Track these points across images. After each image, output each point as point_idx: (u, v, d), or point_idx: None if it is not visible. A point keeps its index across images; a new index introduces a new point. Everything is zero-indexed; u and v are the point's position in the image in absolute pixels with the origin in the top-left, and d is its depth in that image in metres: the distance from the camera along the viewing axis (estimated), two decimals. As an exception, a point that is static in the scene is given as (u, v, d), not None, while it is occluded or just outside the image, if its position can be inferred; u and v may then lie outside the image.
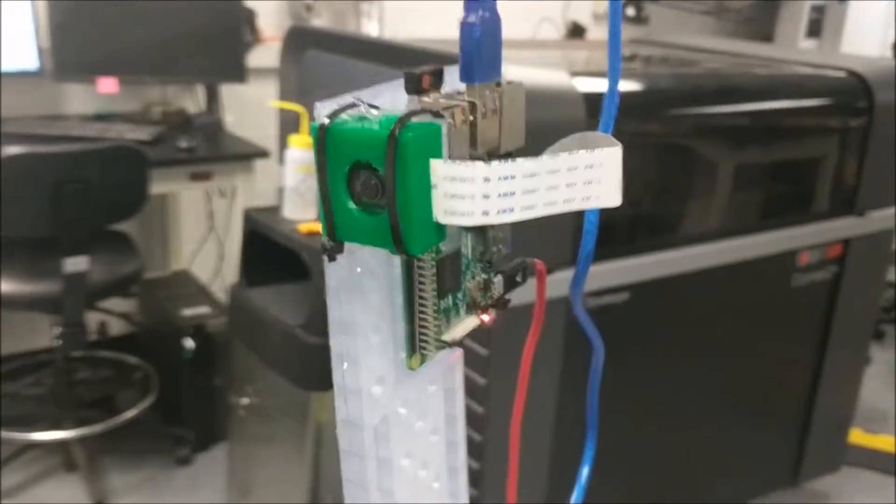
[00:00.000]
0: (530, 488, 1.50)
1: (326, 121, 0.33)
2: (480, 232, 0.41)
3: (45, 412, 2.21)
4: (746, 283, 1.74)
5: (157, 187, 2.05)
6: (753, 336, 1.82)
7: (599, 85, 1.45)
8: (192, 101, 2.56)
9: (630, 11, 3.20)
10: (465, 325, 0.41)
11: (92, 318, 2.41)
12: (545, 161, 0.32)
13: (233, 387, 1.88)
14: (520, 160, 0.32)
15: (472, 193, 0.32)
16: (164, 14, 2.30)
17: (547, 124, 1.33)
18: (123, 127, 2.23)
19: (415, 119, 0.33)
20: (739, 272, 1.69)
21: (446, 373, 0.44)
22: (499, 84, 0.38)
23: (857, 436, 2.40)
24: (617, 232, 1.51)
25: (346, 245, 0.36)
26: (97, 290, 1.99)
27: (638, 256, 1.52)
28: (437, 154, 0.33)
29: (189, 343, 2.15)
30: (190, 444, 2.24)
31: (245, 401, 1.81)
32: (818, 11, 3.33)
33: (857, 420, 2.19)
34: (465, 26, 0.36)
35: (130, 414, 2.21)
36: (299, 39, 1.89)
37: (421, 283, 0.38)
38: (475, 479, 1.40)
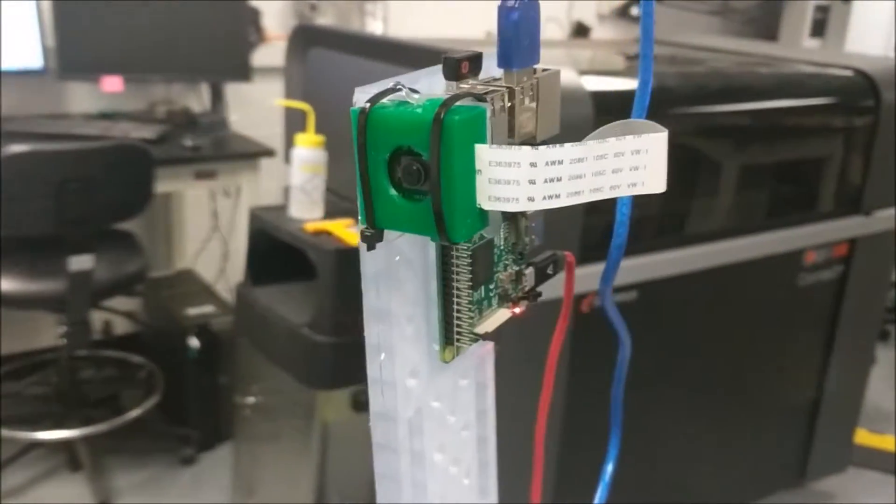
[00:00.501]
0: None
1: (367, 105, 0.33)
2: (513, 222, 0.40)
3: (50, 411, 2.20)
4: (753, 282, 1.74)
5: (161, 186, 2.04)
6: (760, 335, 1.82)
7: (607, 83, 1.44)
8: (197, 100, 2.55)
9: (634, 11, 3.19)
10: (497, 317, 0.41)
11: (96, 317, 2.40)
12: (592, 146, 0.32)
13: (238, 386, 1.87)
14: (567, 145, 0.31)
15: (517, 179, 0.31)
16: (169, 13, 2.30)
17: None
18: (128, 125, 2.22)
19: (458, 103, 0.32)
20: (746, 271, 1.69)
21: (478, 366, 0.43)
22: (535, 71, 0.37)
23: (862, 436, 2.39)
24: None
25: (385, 233, 0.35)
26: (102, 288, 1.98)
27: (646, 255, 1.51)
28: (482, 139, 0.33)
29: (194, 342, 2.14)
30: (194, 443, 2.23)
31: (250, 400, 1.81)
32: (822, 11, 3.33)
33: (862, 420, 2.18)
34: (502, 10, 0.35)
35: (135, 413, 2.20)
36: (304, 38, 1.89)
37: (457, 273, 0.37)
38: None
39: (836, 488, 2.20)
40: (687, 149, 1.61)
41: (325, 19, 2.64)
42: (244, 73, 2.37)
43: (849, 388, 2.06)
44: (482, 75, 0.38)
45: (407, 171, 0.33)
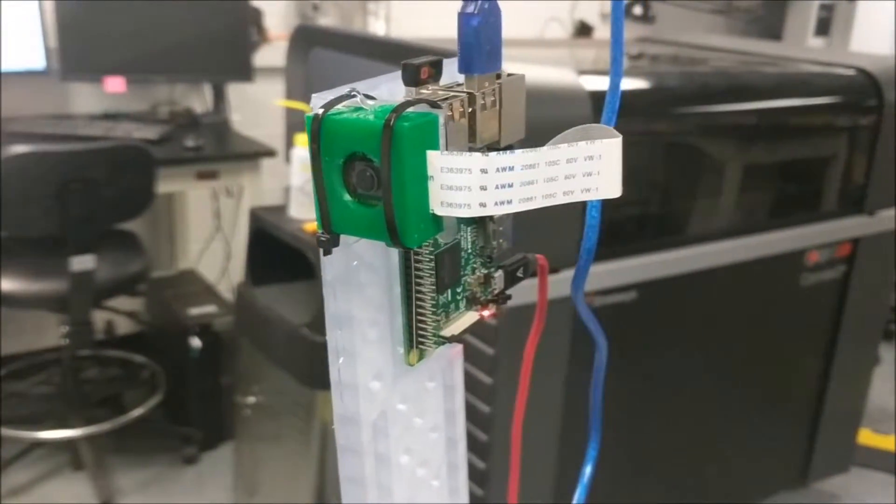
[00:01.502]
0: (537, 488, 1.49)
1: (321, 111, 0.33)
2: (480, 225, 0.40)
3: (53, 411, 2.21)
4: (755, 282, 1.73)
5: (163, 186, 2.05)
6: (762, 335, 1.81)
7: (606, 83, 1.44)
8: (199, 100, 2.56)
9: (637, 10, 3.18)
10: (465, 320, 0.41)
11: (99, 317, 2.41)
12: (544, 152, 0.32)
13: (239, 386, 1.88)
14: (518, 151, 0.31)
15: (469, 185, 0.31)
16: (172, 13, 2.31)
17: (553, 122, 1.32)
18: (130, 126, 2.23)
19: (411, 109, 0.32)
20: (748, 271, 1.68)
21: (445, 369, 0.43)
22: (499, 76, 0.37)
23: (865, 436, 2.38)
24: (625, 230, 1.50)
25: (343, 237, 0.35)
26: (104, 288, 1.99)
27: (646, 255, 1.51)
28: (434, 145, 0.33)
29: (196, 342, 2.15)
30: (196, 442, 2.23)
31: (251, 400, 1.81)
32: (827, 10, 3.31)
33: (866, 420, 2.17)
34: (463, 16, 0.35)
35: (137, 413, 2.21)
36: (306, 38, 1.89)
37: (419, 277, 0.37)
38: (481, 478, 1.39)
39: (840, 489, 2.19)
40: (689, 148, 1.61)
41: (327, 19, 2.64)
42: (246, 73, 2.38)
43: (852, 389, 2.05)
44: (449, 80, 0.38)
45: (361, 177, 0.33)
